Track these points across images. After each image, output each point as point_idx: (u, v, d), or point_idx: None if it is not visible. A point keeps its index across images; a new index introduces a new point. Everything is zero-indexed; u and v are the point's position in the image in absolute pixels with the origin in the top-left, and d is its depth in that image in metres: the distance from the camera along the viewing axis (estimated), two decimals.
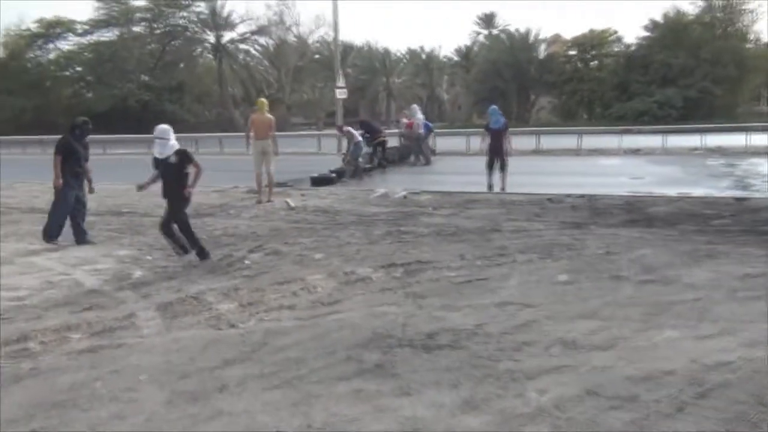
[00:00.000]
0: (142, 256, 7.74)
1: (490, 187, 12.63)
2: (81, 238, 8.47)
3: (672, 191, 11.78)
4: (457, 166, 18.57)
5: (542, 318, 4.73)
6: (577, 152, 21.70)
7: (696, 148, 21.14)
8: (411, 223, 8.97)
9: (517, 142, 22.89)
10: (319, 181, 14.58)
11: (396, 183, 15.05)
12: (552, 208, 10.05)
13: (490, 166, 12.83)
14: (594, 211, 9.67)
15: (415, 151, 19.38)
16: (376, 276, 6.08)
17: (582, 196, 10.97)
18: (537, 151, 22.30)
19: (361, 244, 7.65)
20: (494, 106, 13.49)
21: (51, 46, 50.19)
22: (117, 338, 4.74)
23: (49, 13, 54.09)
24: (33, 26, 48.95)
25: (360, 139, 16.51)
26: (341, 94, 23.36)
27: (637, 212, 9.42)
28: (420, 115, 19.07)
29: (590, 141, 22.90)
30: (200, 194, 12.69)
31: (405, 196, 11.54)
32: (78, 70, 49.64)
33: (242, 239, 8.43)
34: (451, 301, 5.24)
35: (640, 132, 24.03)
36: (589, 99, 46.05)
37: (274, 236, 8.47)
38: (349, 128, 17.22)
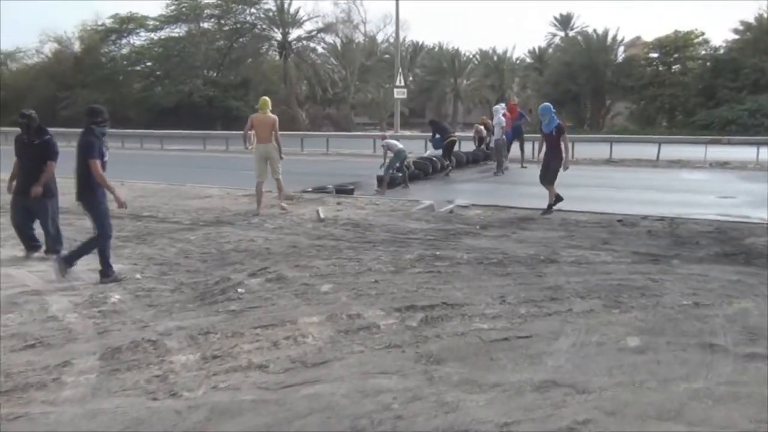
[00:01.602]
0: (132, 274, 6.70)
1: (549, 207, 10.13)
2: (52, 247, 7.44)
3: None
4: (523, 174, 16.76)
5: (601, 415, 3.28)
6: (655, 163, 19.59)
7: None
8: (451, 246, 7.57)
9: (589, 150, 21.10)
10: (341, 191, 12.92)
11: (450, 192, 13.67)
12: (623, 233, 8.41)
13: (543, 180, 10.43)
14: (676, 239, 7.98)
15: (494, 158, 17.80)
16: (386, 324, 4.74)
17: (661, 218, 9.27)
18: (610, 161, 20.30)
19: (383, 272, 6.33)
20: (546, 104, 10.87)
21: (124, 41, 51.27)
22: (25, 402, 3.61)
23: (124, 9, 55.53)
24: (108, 22, 50.10)
25: (399, 148, 14.46)
26: (399, 93, 22.14)
27: (730, 243, 7.68)
28: (502, 118, 17.18)
29: (671, 151, 20.69)
30: (227, 198, 11.81)
31: (451, 211, 10.15)
32: (148, 65, 50.43)
33: (252, 257, 7.28)
34: (475, 372, 3.85)
35: (729, 143, 21.46)
36: (670, 105, 42.83)
37: (288, 255, 7.27)
38: (388, 141, 14.70)
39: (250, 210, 10.50)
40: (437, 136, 17.39)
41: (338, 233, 8.54)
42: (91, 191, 6.40)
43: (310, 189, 12.66)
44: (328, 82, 48.35)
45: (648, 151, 20.81)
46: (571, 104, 45.23)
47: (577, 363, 4.00)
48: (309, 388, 3.65)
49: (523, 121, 19.03)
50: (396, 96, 22.24)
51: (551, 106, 10.59)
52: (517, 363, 4.01)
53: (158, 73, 49.24)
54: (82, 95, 47.29)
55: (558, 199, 10.16)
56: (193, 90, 44.78)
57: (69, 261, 6.49)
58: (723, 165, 18.79)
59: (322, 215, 9.59)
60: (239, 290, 5.81)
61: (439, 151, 17.25)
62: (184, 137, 28.54)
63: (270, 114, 10.32)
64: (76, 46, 51.41)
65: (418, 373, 3.84)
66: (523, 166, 17.92)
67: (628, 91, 44.47)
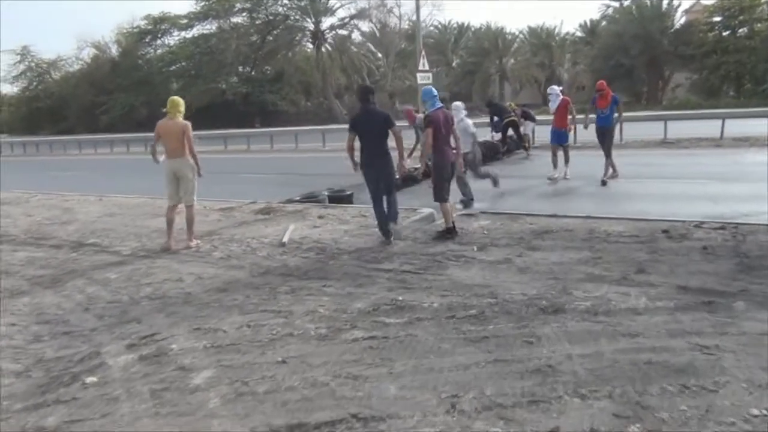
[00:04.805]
0: None
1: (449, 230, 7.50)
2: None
3: None
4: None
5: None
6: (718, 142, 16.87)
7: None
8: (425, 283, 5.63)
9: (641, 129, 18.44)
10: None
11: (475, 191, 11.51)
12: (668, 251, 6.25)
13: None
14: (742, 259, 5.78)
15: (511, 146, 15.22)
16: None
17: (722, 226, 7.03)
18: (665, 142, 17.69)
19: (307, 338, 4.47)
20: (427, 87, 7.86)
21: (158, 42, 50.77)
22: None
23: (156, 10, 55.24)
24: (142, 23, 49.68)
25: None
26: (424, 78, 19.95)
27: None
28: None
29: (737, 126, 17.89)
30: (199, 214, 10.02)
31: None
32: (182, 64, 49.76)
33: (160, 309, 5.54)
34: None
35: None
36: (736, 73, 38.97)
37: (204, 306, 5.49)
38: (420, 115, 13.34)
39: (214, 230, 8.84)
40: (496, 118, 16.98)
41: (294, 263, 6.71)
42: (388, 158, 7.26)
43: (297, 198, 10.87)
44: (365, 70, 46.42)
45: (710, 127, 18.08)
46: (625, 78, 41.83)
47: None
48: None
49: (615, 108, 11.77)
50: (420, 81, 20.06)
51: (432, 90, 7.63)
52: None
53: (192, 72, 48.48)
54: (120, 99, 47.21)
55: (447, 231, 7.46)
56: (227, 87, 43.83)
57: (394, 219, 7.50)
58: None
59: (285, 238, 7.78)
60: (88, 380, 4.07)
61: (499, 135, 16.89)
62: (204, 138, 27.26)
63: (179, 119, 7.86)
64: (114, 50, 51.33)
65: None
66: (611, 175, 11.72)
67: (688, 60, 40.90)
